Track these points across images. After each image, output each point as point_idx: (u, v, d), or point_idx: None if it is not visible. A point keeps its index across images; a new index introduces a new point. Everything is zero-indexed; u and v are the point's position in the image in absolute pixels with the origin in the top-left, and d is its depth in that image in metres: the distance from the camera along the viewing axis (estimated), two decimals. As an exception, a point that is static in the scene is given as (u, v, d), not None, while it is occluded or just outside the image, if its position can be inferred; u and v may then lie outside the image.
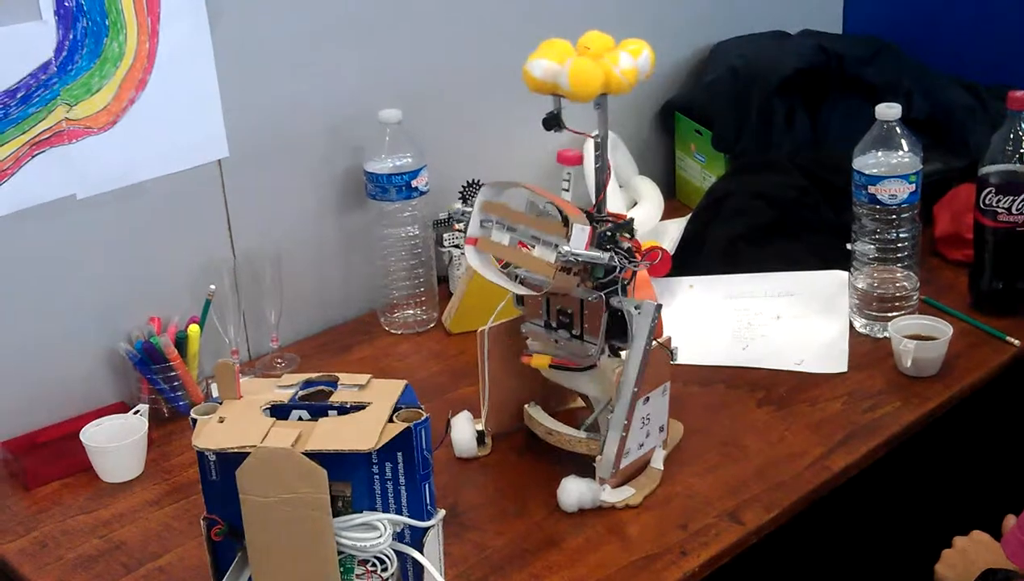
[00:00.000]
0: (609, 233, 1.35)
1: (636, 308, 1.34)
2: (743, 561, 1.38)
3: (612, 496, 1.40)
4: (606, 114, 1.38)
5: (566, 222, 1.34)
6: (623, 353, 1.39)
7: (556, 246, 1.32)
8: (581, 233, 1.31)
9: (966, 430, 1.74)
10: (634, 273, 1.35)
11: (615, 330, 1.37)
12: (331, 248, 1.88)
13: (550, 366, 1.43)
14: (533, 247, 1.37)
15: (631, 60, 1.34)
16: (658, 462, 1.46)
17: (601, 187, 1.41)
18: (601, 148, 1.39)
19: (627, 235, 1.37)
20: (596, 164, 1.40)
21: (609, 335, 1.37)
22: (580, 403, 1.55)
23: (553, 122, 1.37)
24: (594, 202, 1.41)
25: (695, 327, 1.80)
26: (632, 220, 1.39)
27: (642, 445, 1.44)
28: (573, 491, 1.40)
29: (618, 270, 1.34)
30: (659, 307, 1.34)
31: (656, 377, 1.41)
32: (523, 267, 1.40)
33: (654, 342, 1.36)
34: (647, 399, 1.41)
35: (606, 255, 1.32)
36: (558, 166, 1.90)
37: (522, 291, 1.39)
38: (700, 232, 1.99)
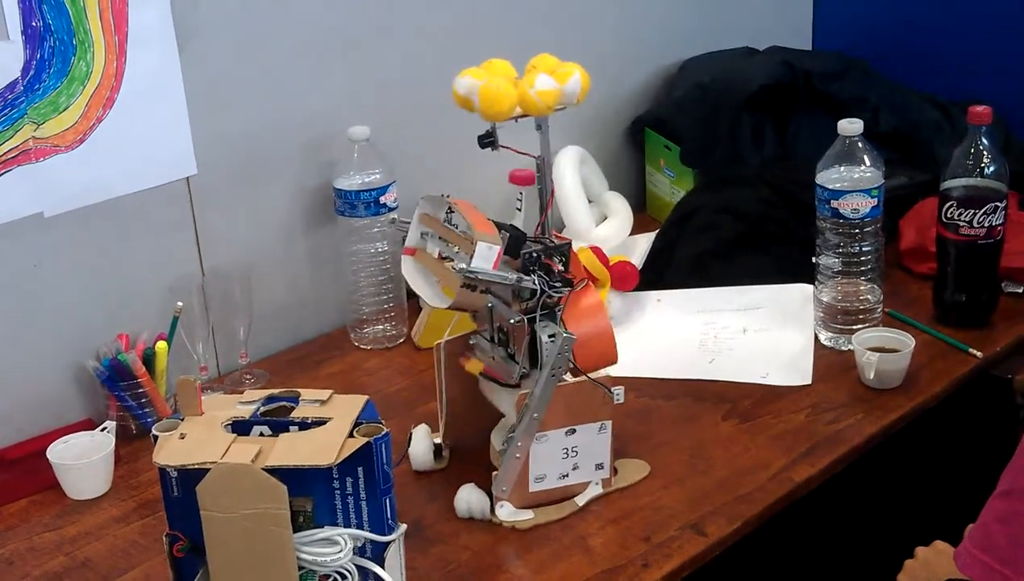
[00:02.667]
0: (535, 255, 1.35)
1: (550, 337, 1.35)
2: (706, 573, 1.39)
3: (505, 514, 1.42)
4: (547, 137, 1.40)
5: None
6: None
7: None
8: (487, 252, 1.31)
9: (929, 441, 1.76)
10: (565, 298, 1.36)
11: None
12: (300, 264, 1.89)
13: (480, 374, 1.44)
14: (450, 261, 1.38)
15: (550, 82, 1.34)
16: (582, 499, 1.45)
17: (543, 209, 1.41)
18: (542, 170, 1.41)
19: (560, 259, 1.37)
20: (538, 185, 1.41)
21: (536, 359, 1.38)
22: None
23: (487, 140, 1.38)
24: (538, 222, 1.41)
25: (662, 340, 1.82)
26: (568, 244, 1.39)
27: (565, 476, 1.43)
28: (463, 499, 1.42)
29: (539, 294, 1.35)
30: (570, 340, 1.34)
31: (590, 413, 1.41)
32: (443, 281, 1.41)
33: (596, 379, 1.37)
34: (573, 431, 1.41)
35: (514, 276, 1.33)
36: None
37: (438, 304, 1.39)
38: (668, 246, 2.00)
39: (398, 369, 1.81)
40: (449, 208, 1.39)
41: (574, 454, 1.42)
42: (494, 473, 1.41)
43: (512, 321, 1.37)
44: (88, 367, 1.63)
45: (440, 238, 1.41)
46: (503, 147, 1.38)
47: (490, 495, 1.42)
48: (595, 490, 1.46)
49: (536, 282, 1.35)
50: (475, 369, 1.44)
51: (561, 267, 1.38)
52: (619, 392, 1.41)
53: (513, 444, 1.38)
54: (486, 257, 1.31)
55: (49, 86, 1.55)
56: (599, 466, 1.45)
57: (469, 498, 1.42)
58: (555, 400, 1.37)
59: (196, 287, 1.71)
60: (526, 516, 1.42)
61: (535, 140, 1.41)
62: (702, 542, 1.38)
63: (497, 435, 1.47)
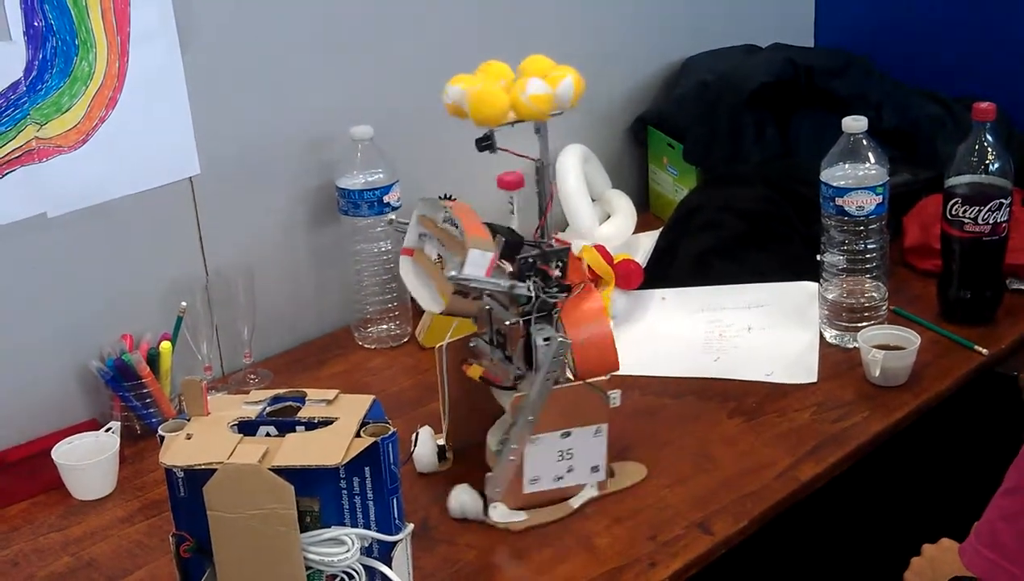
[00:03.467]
0: (531, 261, 1.35)
1: (545, 340, 1.34)
2: (712, 572, 1.39)
3: (498, 516, 1.41)
4: (547, 141, 1.39)
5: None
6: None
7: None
8: (480, 258, 1.30)
9: (934, 438, 1.76)
10: (561, 303, 1.36)
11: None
12: (304, 264, 1.89)
13: (480, 378, 1.44)
14: (443, 266, 1.37)
15: (542, 86, 1.34)
16: (577, 501, 1.44)
17: (542, 212, 1.41)
18: (542, 174, 1.40)
19: (557, 264, 1.37)
20: (536, 189, 1.41)
21: (531, 362, 1.37)
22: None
23: (485, 144, 1.38)
24: (537, 226, 1.41)
25: (667, 339, 1.81)
26: (567, 249, 1.38)
27: (560, 478, 1.43)
28: (456, 499, 1.42)
29: (534, 299, 1.34)
30: (566, 345, 1.34)
31: (586, 416, 1.41)
32: (439, 284, 1.40)
33: (591, 382, 1.37)
34: (568, 434, 1.40)
35: (507, 283, 1.32)
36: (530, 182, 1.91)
37: (433, 308, 1.39)
38: (672, 245, 2.00)
39: (402, 368, 1.81)
40: (447, 209, 1.39)
41: (569, 456, 1.42)
42: (488, 475, 1.41)
43: (507, 323, 1.37)
44: (92, 367, 1.63)
45: (437, 240, 1.40)
46: (502, 150, 1.38)
47: (484, 496, 1.42)
48: (590, 492, 1.45)
49: (531, 288, 1.34)
50: (475, 374, 1.44)
51: (558, 272, 1.37)
52: (615, 396, 1.41)
53: (508, 446, 1.38)
54: (479, 264, 1.30)
55: (52, 86, 1.55)
56: (595, 469, 1.45)
57: (462, 498, 1.42)
58: (550, 403, 1.37)
59: (200, 287, 1.71)
60: (519, 517, 1.41)
61: (535, 142, 1.40)
62: (708, 541, 1.38)
63: (493, 436, 1.47)
